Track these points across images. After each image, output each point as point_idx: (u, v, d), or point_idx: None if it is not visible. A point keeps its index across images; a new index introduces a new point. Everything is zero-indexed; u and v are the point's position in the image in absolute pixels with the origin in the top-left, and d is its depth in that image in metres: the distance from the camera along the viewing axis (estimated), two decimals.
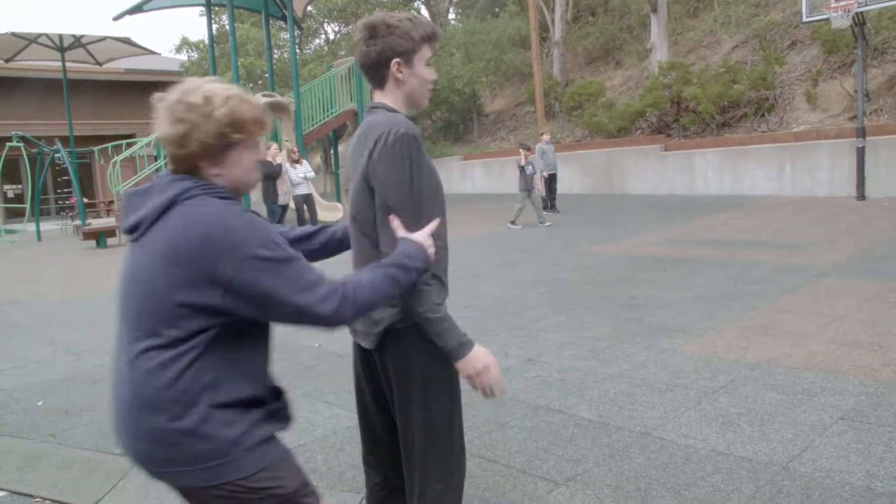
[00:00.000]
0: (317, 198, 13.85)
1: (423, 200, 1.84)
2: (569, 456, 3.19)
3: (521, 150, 12.80)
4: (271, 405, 1.68)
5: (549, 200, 14.14)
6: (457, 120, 24.99)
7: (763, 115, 15.51)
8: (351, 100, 16.71)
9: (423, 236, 1.81)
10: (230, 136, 1.58)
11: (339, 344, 5.15)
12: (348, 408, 4.00)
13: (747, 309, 5.59)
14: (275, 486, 1.62)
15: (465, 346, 1.83)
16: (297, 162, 12.54)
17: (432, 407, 1.93)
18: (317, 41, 29.78)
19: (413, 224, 1.82)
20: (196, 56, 27.52)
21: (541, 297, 6.57)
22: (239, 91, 1.63)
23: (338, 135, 20.05)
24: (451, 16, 30.94)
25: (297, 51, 23.06)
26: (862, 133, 12.00)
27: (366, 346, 1.95)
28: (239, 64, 17.90)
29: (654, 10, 18.13)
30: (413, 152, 1.81)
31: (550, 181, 14.15)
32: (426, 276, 1.82)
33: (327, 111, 16.30)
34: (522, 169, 12.31)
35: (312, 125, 16.56)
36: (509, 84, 24.74)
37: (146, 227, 1.59)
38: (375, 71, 1.94)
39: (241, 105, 1.59)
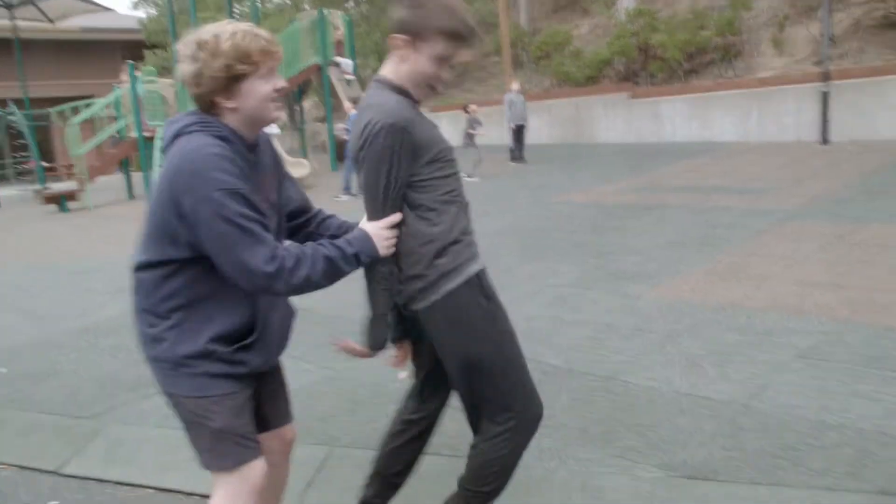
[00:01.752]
0: (283, 154, 13.66)
1: (391, 194, 1.87)
2: None
3: (468, 108, 13.10)
4: (247, 344, 1.80)
5: (518, 151, 14.07)
6: None
7: (730, 61, 15.50)
8: (315, 54, 16.31)
9: (375, 227, 1.86)
10: (236, 67, 1.65)
11: (308, 300, 5.10)
12: (316, 363, 4.01)
13: (714, 253, 5.66)
14: (203, 417, 1.76)
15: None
16: None
17: (465, 372, 2.04)
18: None
19: (375, 213, 1.87)
20: (154, 12, 26.63)
21: (510, 247, 6.58)
22: (249, 27, 1.70)
23: (302, 90, 19.64)
24: None
25: (259, 4, 22.46)
26: (826, 77, 12.06)
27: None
28: (199, 19, 17.35)
29: None
30: (395, 144, 1.81)
31: (518, 132, 14.06)
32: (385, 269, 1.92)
33: (291, 66, 15.88)
34: (470, 124, 12.61)
35: None
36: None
37: (166, 154, 1.75)
38: (392, 37, 1.90)
39: (245, 37, 1.66)
